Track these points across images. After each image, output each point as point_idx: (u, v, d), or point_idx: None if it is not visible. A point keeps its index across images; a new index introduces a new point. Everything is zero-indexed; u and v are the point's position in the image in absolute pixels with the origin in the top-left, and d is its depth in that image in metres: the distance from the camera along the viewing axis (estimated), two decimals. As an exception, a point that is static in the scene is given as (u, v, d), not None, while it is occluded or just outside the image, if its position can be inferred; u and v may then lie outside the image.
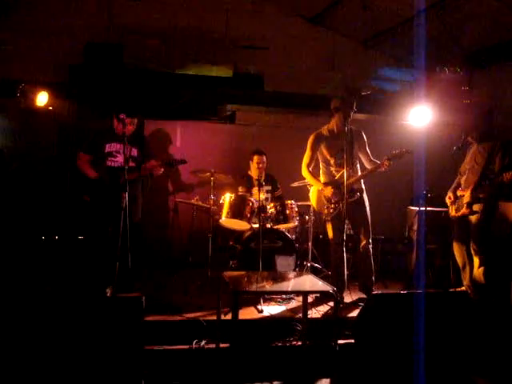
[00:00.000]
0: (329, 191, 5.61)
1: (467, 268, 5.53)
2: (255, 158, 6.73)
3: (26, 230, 6.09)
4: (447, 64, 7.14)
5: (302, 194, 6.47)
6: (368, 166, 5.70)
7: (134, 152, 5.55)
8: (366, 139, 5.77)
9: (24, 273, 5.62)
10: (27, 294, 4.44)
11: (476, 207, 5.33)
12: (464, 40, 6.95)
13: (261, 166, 6.70)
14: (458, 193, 5.55)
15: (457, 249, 5.63)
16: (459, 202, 5.48)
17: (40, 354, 3.73)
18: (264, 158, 6.73)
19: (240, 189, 6.74)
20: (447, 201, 5.66)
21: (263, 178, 6.80)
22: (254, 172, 6.78)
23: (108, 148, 5.54)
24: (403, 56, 7.80)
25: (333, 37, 8.08)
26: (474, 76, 7.27)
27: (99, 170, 5.53)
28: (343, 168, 5.37)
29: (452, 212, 5.56)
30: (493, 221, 5.44)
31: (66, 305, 3.96)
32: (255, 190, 6.34)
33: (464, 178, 5.55)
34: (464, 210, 5.39)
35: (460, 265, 5.63)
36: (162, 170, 5.61)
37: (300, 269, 6.21)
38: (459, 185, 5.61)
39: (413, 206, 6.65)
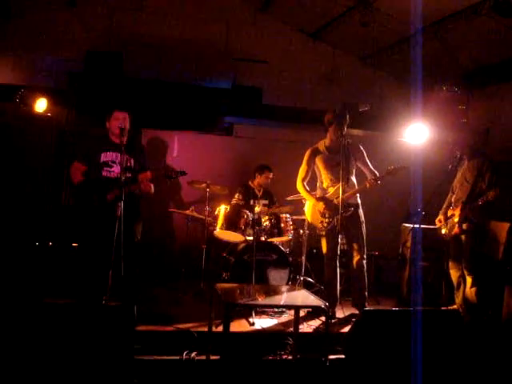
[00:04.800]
0: (321, 206, 5.61)
1: (461, 287, 5.53)
2: (267, 173, 6.90)
3: (19, 235, 6.07)
4: (445, 82, 7.19)
5: (297, 207, 6.48)
6: (369, 177, 5.60)
7: (131, 162, 5.18)
8: (363, 150, 5.72)
9: (17, 278, 5.59)
10: (19, 299, 4.42)
11: (467, 226, 5.35)
12: (462, 59, 7.00)
13: (269, 181, 6.94)
14: (449, 212, 5.57)
15: (452, 268, 5.64)
16: (451, 221, 5.50)
17: (31, 362, 3.72)
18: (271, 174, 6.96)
19: (236, 196, 6.76)
20: (437, 223, 5.69)
21: (261, 193, 6.86)
22: (257, 185, 6.91)
23: (103, 157, 5.16)
24: (402, 73, 7.86)
25: (332, 52, 8.18)
26: (472, 95, 7.32)
27: (94, 180, 5.16)
28: (339, 183, 5.36)
29: (445, 232, 5.58)
30: (484, 240, 5.46)
31: (58, 312, 3.95)
32: (252, 201, 6.38)
33: (454, 196, 5.59)
34: (456, 230, 5.40)
35: (455, 284, 5.63)
36: (152, 186, 5.25)
37: (293, 282, 6.20)
38: (451, 203, 5.63)
39: (407, 222, 6.66)
